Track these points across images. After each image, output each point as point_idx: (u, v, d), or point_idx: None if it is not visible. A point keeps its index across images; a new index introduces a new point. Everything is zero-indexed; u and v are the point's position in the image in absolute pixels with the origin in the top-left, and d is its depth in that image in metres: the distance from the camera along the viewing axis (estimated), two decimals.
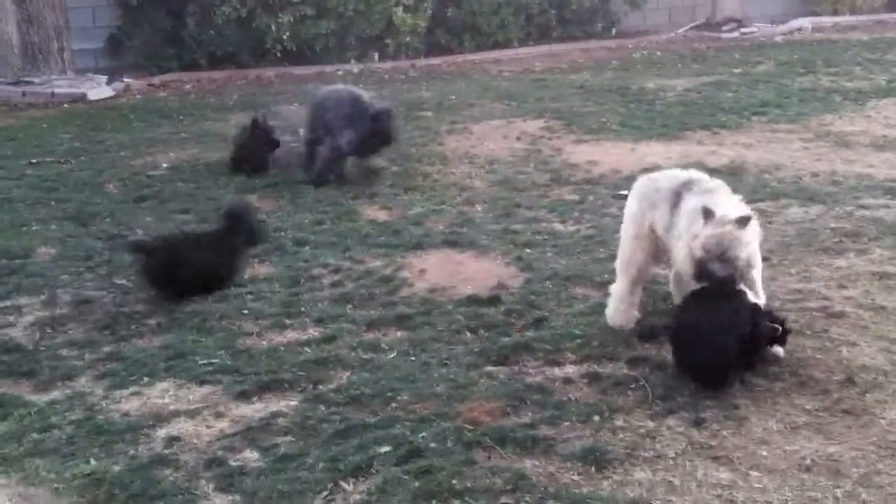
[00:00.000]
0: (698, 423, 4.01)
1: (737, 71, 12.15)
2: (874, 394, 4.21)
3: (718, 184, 4.76)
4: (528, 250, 6.16)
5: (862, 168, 7.69)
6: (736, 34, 15.22)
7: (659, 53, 13.94)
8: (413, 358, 4.76)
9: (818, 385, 4.31)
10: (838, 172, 7.56)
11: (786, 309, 5.05)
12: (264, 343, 5.02)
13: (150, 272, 5.56)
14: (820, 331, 4.82)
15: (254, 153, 8.12)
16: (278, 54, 13.29)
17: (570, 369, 4.55)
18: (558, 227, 6.59)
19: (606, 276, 5.52)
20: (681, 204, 4.60)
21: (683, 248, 4.42)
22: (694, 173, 4.87)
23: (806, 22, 15.69)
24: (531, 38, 14.73)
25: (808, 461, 3.72)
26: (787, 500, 3.48)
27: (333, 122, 7.68)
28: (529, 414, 4.17)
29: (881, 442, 3.85)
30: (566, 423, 4.07)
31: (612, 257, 5.81)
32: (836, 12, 16.32)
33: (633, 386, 4.36)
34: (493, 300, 5.40)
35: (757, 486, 3.58)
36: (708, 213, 4.31)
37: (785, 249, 5.94)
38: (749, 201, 6.66)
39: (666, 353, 4.56)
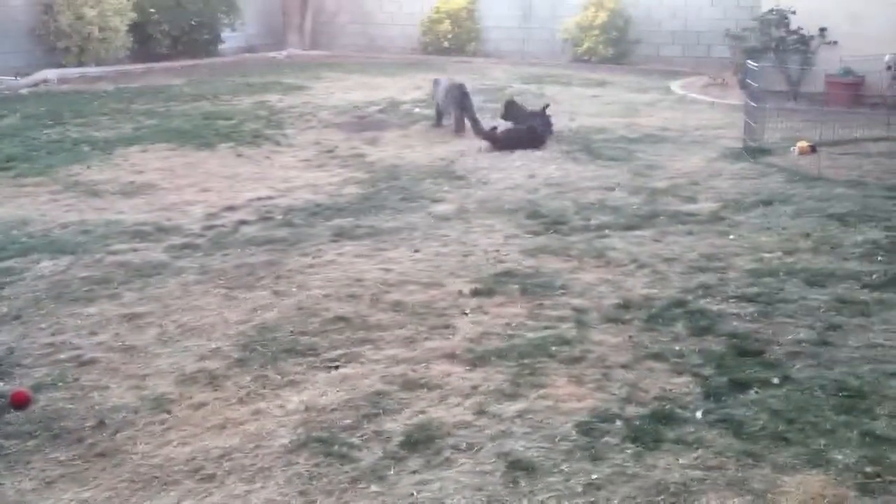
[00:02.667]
0: None
1: None
2: (125, 432, 4.40)
3: None
4: None
5: (111, 215, 7.97)
6: None
7: None
8: None
9: (72, 435, 4.36)
10: (88, 221, 7.74)
11: (38, 364, 5.04)
12: None
13: None
14: (72, 381, 4.89)
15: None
16: None
17: None
18: None
19: None
20: None
21: None
22: None
23: (52, 73, 15.68)
24: None
25: None
26: None
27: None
28: None
29: (133, 476, 4.03)
30: None
31: None
32: (81, 63, 16.60)
33: None
34: None
35: None
36: None
37: (36, 304, 5.90)
38: None
39: None
